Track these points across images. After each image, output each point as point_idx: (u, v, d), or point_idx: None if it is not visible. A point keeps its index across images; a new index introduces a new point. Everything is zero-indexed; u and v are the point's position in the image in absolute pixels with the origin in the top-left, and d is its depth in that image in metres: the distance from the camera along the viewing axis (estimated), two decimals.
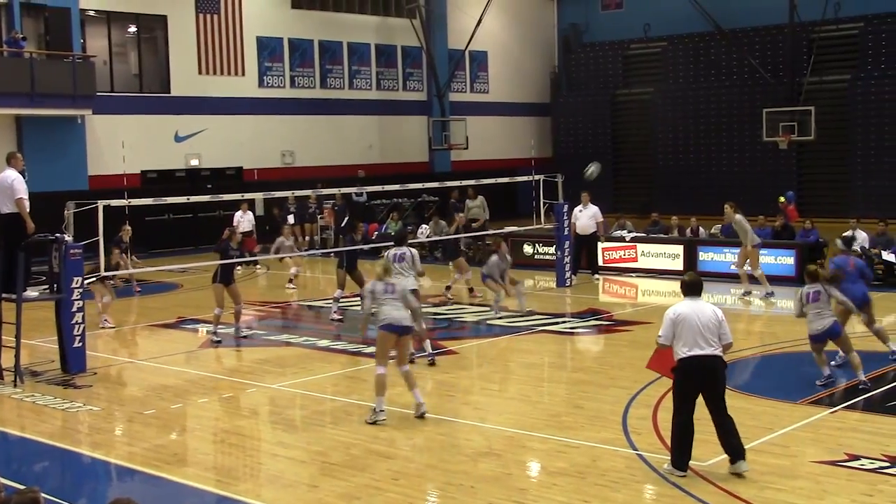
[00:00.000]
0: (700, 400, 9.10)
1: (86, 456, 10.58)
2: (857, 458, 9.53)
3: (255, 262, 25.77)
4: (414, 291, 14.69)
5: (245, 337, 16.66)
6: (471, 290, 20.62)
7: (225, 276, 16.52)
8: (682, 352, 9.06)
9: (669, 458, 9.22)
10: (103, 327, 17.79)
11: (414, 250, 15.18)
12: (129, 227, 22.17)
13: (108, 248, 20.70)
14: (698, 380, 9.04)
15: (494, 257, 18.31)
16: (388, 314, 11.46)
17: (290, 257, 23.84)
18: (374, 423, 11.15)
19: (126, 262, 21.61)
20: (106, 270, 16.75)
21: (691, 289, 9.36)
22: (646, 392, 12.22)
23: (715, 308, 9.26)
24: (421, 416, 11.33)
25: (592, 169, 19.16)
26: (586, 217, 22.28)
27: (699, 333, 9.03)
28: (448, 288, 20.34)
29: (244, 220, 26.34)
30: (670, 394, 11.79)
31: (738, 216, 19.48)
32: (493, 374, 14.15)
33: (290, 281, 23.08)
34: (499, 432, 10.80)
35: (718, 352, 9.09)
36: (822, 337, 12.44)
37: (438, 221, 27.97)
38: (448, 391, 12.89)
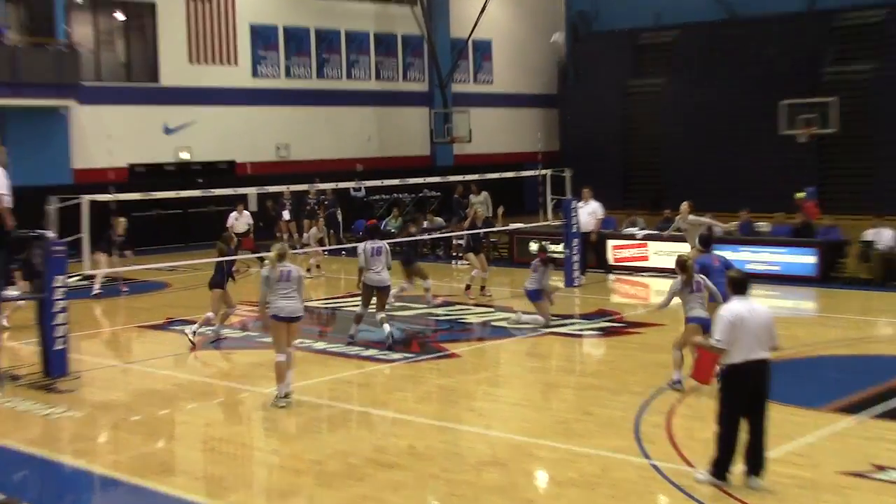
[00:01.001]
0: None
1: (68, 465, 10.48)
2: (883, 468, 9.43)
3: (262, 259, 25.63)
4: (387, 288, 15.80)
5: (224, 338, 16.52)
6: (483, 287, 20.52)
7: (224, 281, 16.50)
8: (737, 357, 8.82)
9: (709, 467, 8.99)
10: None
11: (386, 244, 15.95)
12: (122, 219, 22.01)
13: (92, 248, 20.67)
14: (752, 387, 8.84)
15: (541, 267, 17.20)
16: (277, 304, 12.08)
17: (316, 251, 23.81)
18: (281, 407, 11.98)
19: (112, 260, 21.49)
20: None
21: (740, 287, 9.10)
22: (660, 398, 12.13)
23: (766, 308, 9.10)
24: (285, 401, 12.06)
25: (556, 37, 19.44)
26: (585, 214, 22.15)
27: (756, 336, 8.83)
28: (468, 287, 20.39)
29: (240, 221, 26.11)
30: (687, 400, 11.78)
31: (692, 216, 19.85)
32: (497, 378, 14.07)
33: (308, 270, 23.50)
34: (504, 440, 10.72)
35: (769, 355, 8.95)
36: (708, 325, 12.20)
37: (433, 219, 27.86)
38: (450, 396, 12.80)
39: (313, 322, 18.52)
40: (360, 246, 15.85)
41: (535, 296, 17.06)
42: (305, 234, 27.04)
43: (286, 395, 12.13)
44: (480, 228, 21.40)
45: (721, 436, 8.95)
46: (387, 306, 16.09)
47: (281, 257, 12.28)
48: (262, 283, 12.34)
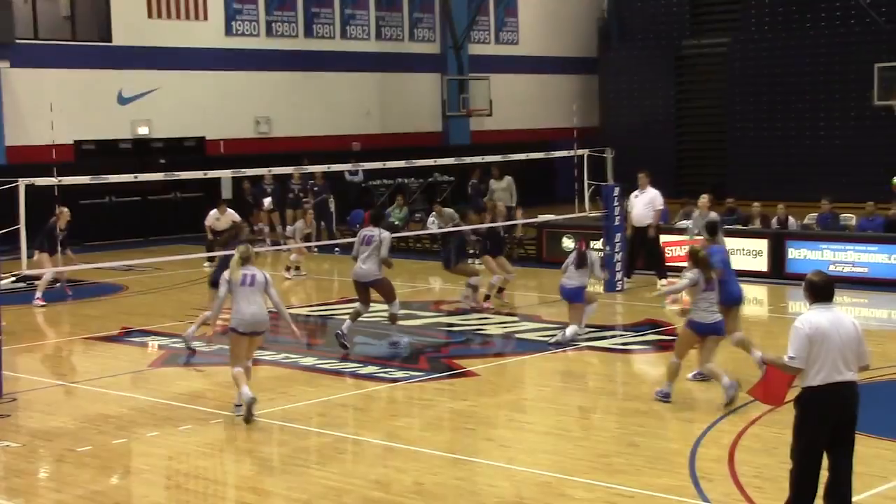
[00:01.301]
0: None
1: None
2: None
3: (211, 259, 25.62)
4: (376, 282, 16.47)
5: (194, 352, 16.60)
6: (501, 290, 20.51)
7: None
8: (815, 378, 8.77)
9: None
10: None
11: (386, 234, 16.78)
12: (65, 210, 22.11)
13: (30, 245, 20.86)
14: (835, 414, 8.80)
15: (579, 264, 17.17)
16: (238, 314, 12.86)
17: (299, 248, 23.84)
18: (247, 419, 12.67)
19: (55, 259, 21.59)
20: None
21: (822, 293, 8.98)
22: (720, 427, 12.17)
23: (853, 319, 9.03)
24: (247, 420, 12.69)
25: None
26: (641, 204, 22.11)
27: (840, 354, 8.77)
28: (487, 297, 20.14)
29: (222, 222, 25.91)
30: (751, 428, 11.82)
31: (714, 214, 19.77)
32: (523, 401, 14.11)
33: (289, 269, 23.92)
34: (530, 476, 10.76)
35: (856, 377, 8.92)
36: (707, 330, 13.26)
37: (442, 210, 27.76)
38: (466, 423, 12.86)
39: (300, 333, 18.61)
40: (359, 233, 16.97)
41: (575, 295, 16.95)
42: (289, 227, 27.12)
43: (247, 418, 12.76)
44: (502, 223, 21.38)
45: (796, 474, 8.95)
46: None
47: (244, 260, 12.98)
48: (220, 288, 13.13)
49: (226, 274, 13.04)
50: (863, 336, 8.98)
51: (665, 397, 13.21)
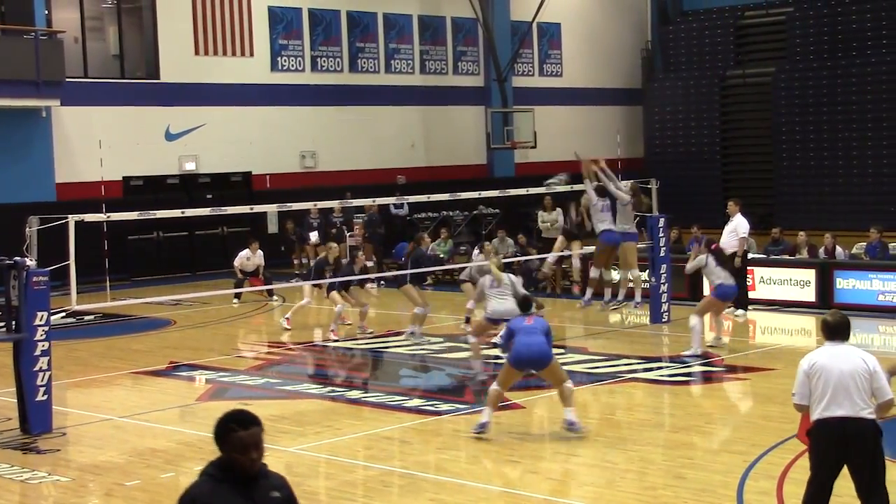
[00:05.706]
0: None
1: None
2: None
3: (271, 293, 25.83)
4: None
5: None
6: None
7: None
8: (815, 412, 8.91)
9: None
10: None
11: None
12: (333, 245, 22.49)
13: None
14: (838, 449, 8.86)
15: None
16: (491, 307, 16.69)
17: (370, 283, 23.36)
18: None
19: (345, 295, 21.19)
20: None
21: (835, 331, 9.13)
22: (768, 459, 12.12)
23: (865, 355, 9.04)
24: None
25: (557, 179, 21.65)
26: (726, 232, 21.86)
27: (841, 388, 8.83)
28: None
29: (252, 262, 26.06)
30: (800, 461, 11.74)
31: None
32: (568, 434, 14.08)
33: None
34: None
35: (868, 413, 8.88)
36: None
37: (505, 238, 27.69)
38: (511, 456, 12.86)
39: (347, 367, 18.72)
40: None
41: (724, 293, 18.49)
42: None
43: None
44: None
45: (804, 500, 9.01)
46: None
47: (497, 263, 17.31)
48: (478, 290, 17.28)
49: (485, 280, 17.02)
50: (877, 372, 8.92)
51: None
